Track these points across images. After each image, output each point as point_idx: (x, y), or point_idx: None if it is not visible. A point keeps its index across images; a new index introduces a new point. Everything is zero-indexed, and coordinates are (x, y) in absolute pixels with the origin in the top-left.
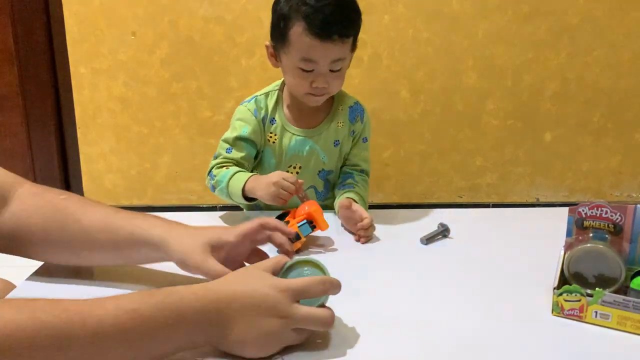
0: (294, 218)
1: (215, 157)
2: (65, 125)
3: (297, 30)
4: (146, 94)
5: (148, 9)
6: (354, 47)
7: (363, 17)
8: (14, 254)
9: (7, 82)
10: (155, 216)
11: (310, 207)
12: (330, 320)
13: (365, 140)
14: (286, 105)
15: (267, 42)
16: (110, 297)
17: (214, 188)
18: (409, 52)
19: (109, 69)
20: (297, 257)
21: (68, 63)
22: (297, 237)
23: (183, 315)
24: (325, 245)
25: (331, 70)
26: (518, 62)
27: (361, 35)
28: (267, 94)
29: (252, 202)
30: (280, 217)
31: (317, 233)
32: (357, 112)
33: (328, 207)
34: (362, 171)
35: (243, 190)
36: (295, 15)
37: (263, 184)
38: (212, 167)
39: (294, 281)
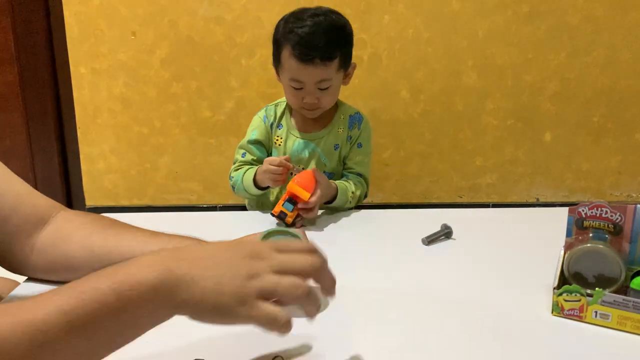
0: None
1: (234, 163)
2: (65, 125)
3: (286, 54)
4: (146, 94)
5: (148, 9)
6: (343, 66)
7: (363, 17)
8: (51, 275)
9: (7, 82)
10: (190, 237)
11: (293, 180)
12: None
13: (359, 145)
14: (292, 114)
15: (272, 62)
16: (56, 289)
17: (233, 188)
18: (409, 52)
19: (109, 69)
20: (273, 227)
21: (68, 63)
22: (285, 214)
23: (131, 273)
24: (325, 246)
25: (319, 88)
26: (518, 62)
27: (361, 35)
28: (277, 104)
29: (266, 190)
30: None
31: (319, 233)
32: (355, 120)
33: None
34: (358, 174)
35: (255, 182)
36: (284, 40)
37: (261, 176)
38: (231, 172)
39: (271, 241)
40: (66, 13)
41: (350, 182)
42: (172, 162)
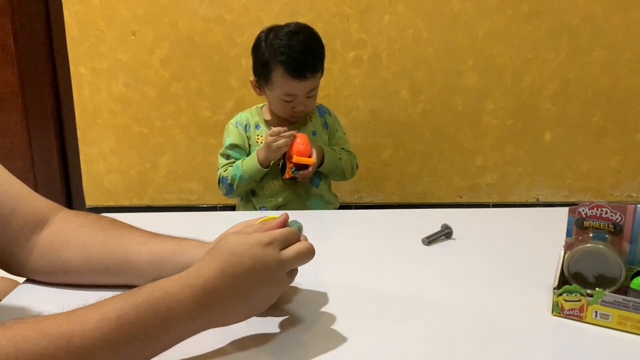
0: (290, 153)
1: (219, 168)
2: (65, 125)
3: (278, 74)
4: (146, 94)
5: (148, 9)
6: (322, 73)
7: (363, 17)
8: (49, 278)
9: (7, 82)
10: (187, 239)
11: (297, 147)
12: (312, 249)
13: (337, 130)
14: (267, 117)
15: (252, 78)
16: (93, 306)
17: (231, 186)
18: (409, 52)
19: (109, 69)
20: (268, 214)
21: (68, 63)
22: (295, 177)
23: (172, 309)
24: (326, 245)
25: (307, 96)
26: (518, 62)
27: (361, 35)
28: (247, 112)
29: (269, 168)
30: (283, 165)
31: (319, 233)
32: (323, 109)
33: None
34: (347, 151)
35: (260, 164)
36: (273, 61)
37: (267, 152)
38: (220, 175)
39: (275, 232)
40: (66, 13)
41: (337, 149)
42: (172, 162)
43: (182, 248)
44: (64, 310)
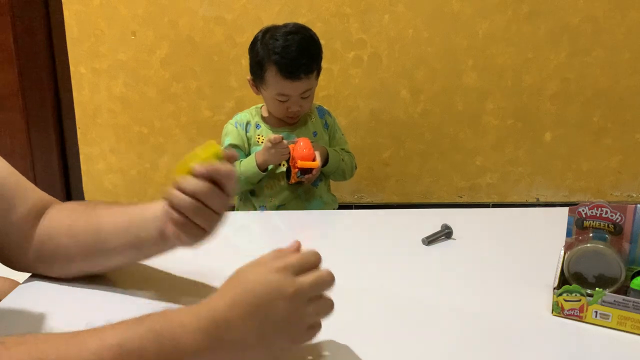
0: (294, 158)
1: None
2: (65, 125)
3: (271, 73)
4: (146, 94)
5: (148, 9)
6: (318, 73)
7: (363, 17)
8: (48, 269)
9: (7, 82)
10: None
11: (301, 151)
12: (332, 276)
13: (336, 130)
14: (267, 116)
15: (249, 77)
16: (94, 332)
17: None
18: (409, 52)
19: (109, 69)
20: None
21: (68, 63)
22: (301, 182)
23: (177, 340)
24: (325, 246)
25: (302, 97)
26: (518, 62)
27: (361, 35)
28: (247, 112)
29: (268, 172)
30: (288, 170)
31: (319, 233)
32: (323, 111)
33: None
34: (346, 151)
35: (258, 167)
36: (267, 60)
37: (266, 156)
38: None
39: (289, 257)
40: (66, 13)
41: (339, 150)
42: (172, 162)
43: (153, 203)
44: (66, 332)
